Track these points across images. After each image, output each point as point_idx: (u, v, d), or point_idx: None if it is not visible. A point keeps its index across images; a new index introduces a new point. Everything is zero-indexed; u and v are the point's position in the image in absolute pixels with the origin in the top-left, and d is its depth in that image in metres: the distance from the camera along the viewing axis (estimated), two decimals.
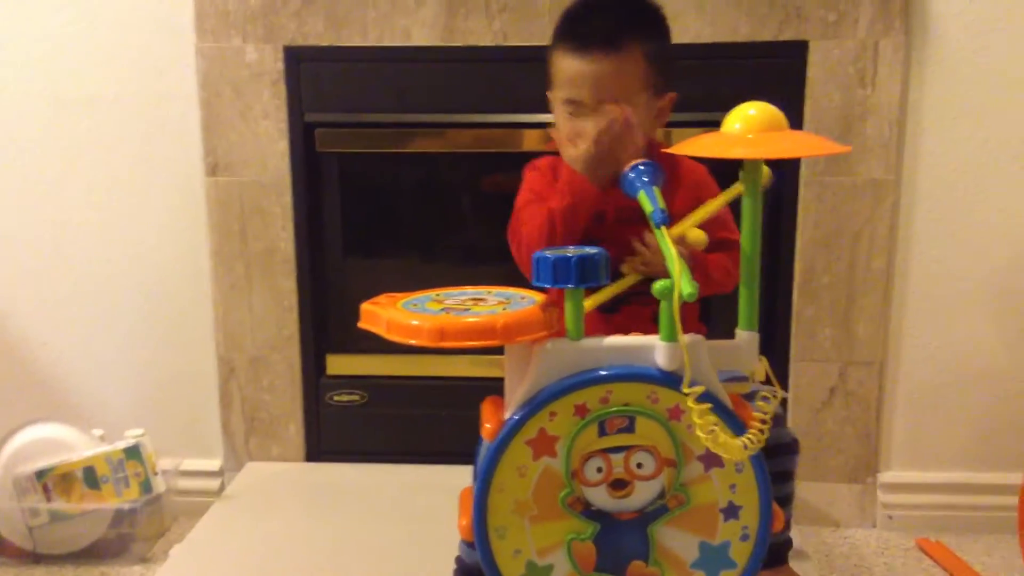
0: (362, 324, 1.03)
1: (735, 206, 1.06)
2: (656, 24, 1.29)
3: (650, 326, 1.00)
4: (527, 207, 1.30)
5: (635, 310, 1.24)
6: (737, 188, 1.06)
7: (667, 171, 1.12)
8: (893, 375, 1.78)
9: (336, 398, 1.87)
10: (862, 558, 1.68)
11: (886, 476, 1.80)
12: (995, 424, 1.78)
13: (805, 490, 1.78)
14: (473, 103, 1.74)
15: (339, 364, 1.89)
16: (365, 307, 1.03)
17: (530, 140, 1.75)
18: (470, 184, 1.90)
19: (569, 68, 1.24)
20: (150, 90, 1.76)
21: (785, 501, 1.36)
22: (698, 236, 1.11)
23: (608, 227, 1.26)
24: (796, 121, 1.65)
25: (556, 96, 1.29)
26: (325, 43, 1.71)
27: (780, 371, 1.76)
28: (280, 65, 1.72)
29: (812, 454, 1.77)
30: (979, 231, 1.72)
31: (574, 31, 1.26)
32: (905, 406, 1.79)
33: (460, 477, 1.17)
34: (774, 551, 1.37)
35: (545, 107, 1.33)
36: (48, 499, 1.63)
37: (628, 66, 1.23)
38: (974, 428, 1.78)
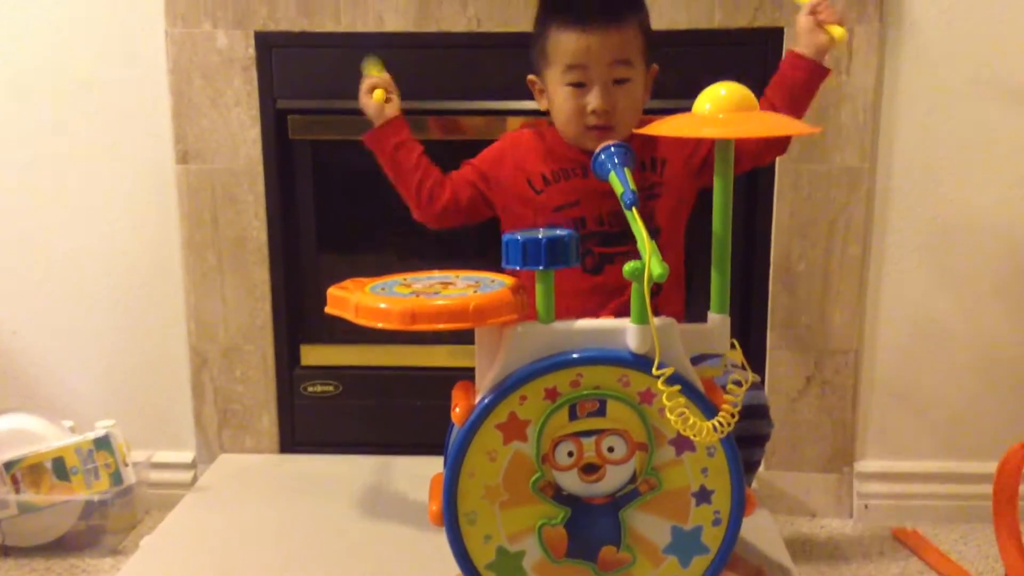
0: (329, 309, 1.02)
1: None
2: None
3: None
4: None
5: (619, 269, 1.24)
6: None
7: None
8: (869, 364, 1.77)
9: (310, 389, 1.85)
10: (838, 547, 1.67)
11: (862, 465, 1.80)
12: (970, 412, 1.78)
13: (781, 480, 1.78)
14: (447, 90, 1.73)
15: (313, 355, 1.87)
16: (332, 292, 1.02)
17: (505, 128, 1.73)
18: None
19: (571, 43, 1.23)
20: (119, 76, 1.73)
21: (753, 467, 1.37)
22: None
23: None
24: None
25: (554, 76, 1.27)
26: (297, 29, 1.69)
27: (757, 360, 1.75)
28: (251, 51, 1.70)
29: (789, 443, 1.77)
30: (954, 218, 1.72)
31: (570, 5, 1.25)
32: (881, 395, 1.78)
33: (435, 468, 1.15)
34: None
35: (521, 94, 1.32)
36: (17, 490, 1.61)
37: (629, 35, 1.25)
38: (949, 417, 1.78)
